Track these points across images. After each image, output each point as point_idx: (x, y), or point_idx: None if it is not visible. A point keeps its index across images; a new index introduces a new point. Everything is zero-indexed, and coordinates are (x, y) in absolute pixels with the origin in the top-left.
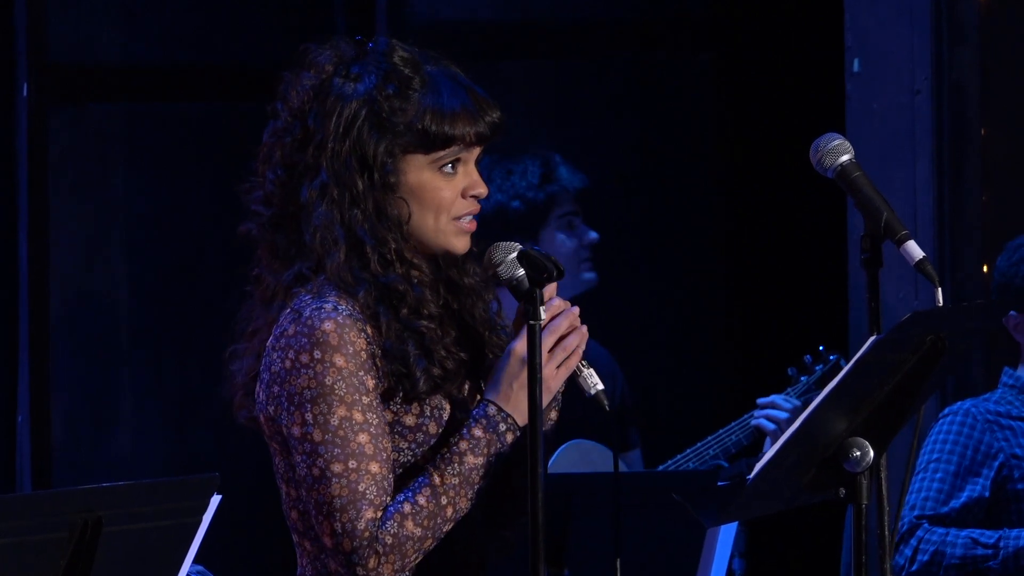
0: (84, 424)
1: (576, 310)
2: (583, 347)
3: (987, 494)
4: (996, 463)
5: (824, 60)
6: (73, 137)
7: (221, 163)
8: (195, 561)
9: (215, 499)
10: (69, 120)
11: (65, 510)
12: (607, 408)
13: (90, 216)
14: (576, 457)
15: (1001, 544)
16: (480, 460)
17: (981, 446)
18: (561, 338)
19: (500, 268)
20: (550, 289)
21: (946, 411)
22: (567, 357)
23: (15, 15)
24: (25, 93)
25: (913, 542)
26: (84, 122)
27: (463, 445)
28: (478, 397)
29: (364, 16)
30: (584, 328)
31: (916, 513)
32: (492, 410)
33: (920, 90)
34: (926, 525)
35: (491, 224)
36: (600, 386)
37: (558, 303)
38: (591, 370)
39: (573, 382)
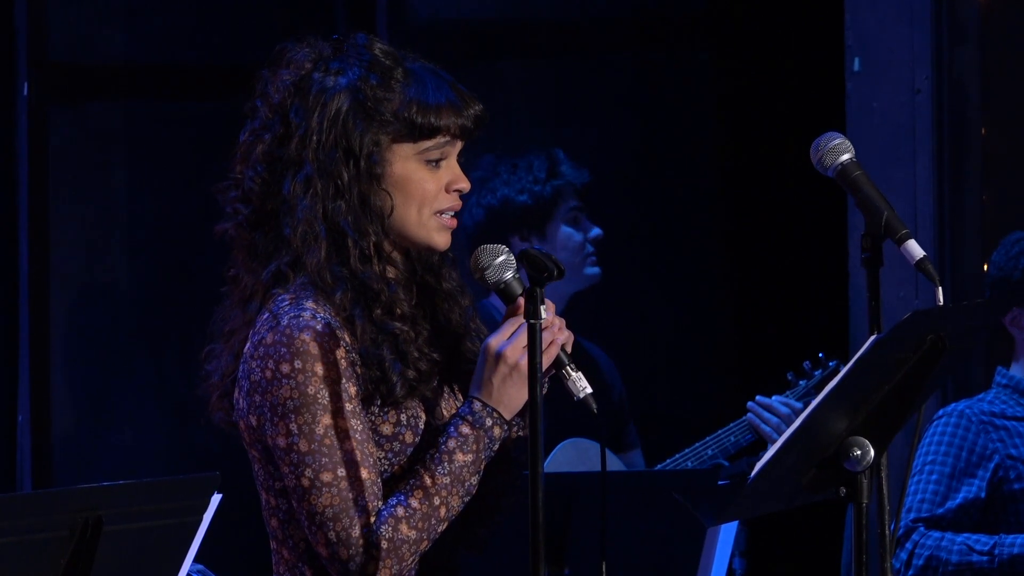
0: (84, 423)
1: (551, 305)
2: (562, 340)
3: (983, 495)
4: (991, 464)
5: (824, 60)
6: (73, 136)
7: (221, 162)
8: (195, 560)
9: (215, 498)
10: (69, 119)
11: (65, 509)
12: (595, 412)
13: (90, 216)
14: (573, 455)
15: (996, 551)
16: (469, 457)
17: (976, 447)
18: None
19: (488, 272)
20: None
21: (940, 413)
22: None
23: (15, 14)
24: (25, 92)
25: (909, 546)
26: (84, 121)
27: (451, 443)
28: (451, 401)
29: (364, 16)
30: (560, 320)
31: (912, 516)
32: (477, 406)
33: (920, 89)
34: (922, 529)
35: (498, 217)
36: (588, 390)
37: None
38: (579, 373)
39: (562, 385)
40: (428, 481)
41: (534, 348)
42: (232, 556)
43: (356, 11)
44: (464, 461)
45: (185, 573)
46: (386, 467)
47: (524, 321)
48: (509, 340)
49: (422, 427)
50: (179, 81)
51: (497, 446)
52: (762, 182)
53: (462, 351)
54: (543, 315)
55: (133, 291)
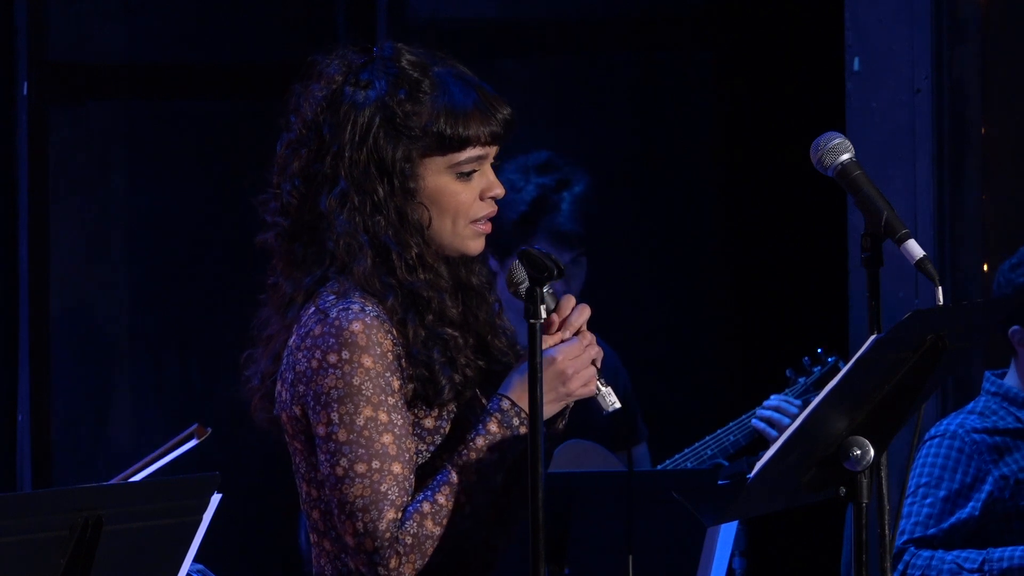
0: (84, 423)
1: (585, 313)
2: (592, 355)
3: (976, 514)
4: (986, 487)
5: (824, 59)
6: (73, 135)
7: (221, 161)
8: (195, 560)
9: (215, 498)
10: (69, 118)
11: (65, 509)
12: (621, 422)
13: (90, 215)
14: (572, 457)
15: (986, 568)
16: (496, 455)
17: (970, 470)
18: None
19: (522, 287)
20: (568, 301)
21: (932, 432)
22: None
23: (15, 13)
24: (25, 91)
25: (900, 567)
26: (84, 120)
27: (479, 441)
28: (484, 401)
29: (364, 15)
30: (591, 335)
31: (904, 538)
32: (506, 404)
33: (920, 89)
34: (912, 549)
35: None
36: (617, 405)
37: (571, 301)
38: (608, 388)
39: (590, 399)
40: (454, 478)
41: (534, 348)
42: (232, 556)
43: (356, 11)
44: (491, 459)
45: (185, 573)
46: (428, 459)
47: (560, 337)
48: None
49: (462, 423)
50: (179, 80)
51: (523, 446)
52: (762, 182)
53: (489, 349)
54: (543, 315)
55: (133, 290)
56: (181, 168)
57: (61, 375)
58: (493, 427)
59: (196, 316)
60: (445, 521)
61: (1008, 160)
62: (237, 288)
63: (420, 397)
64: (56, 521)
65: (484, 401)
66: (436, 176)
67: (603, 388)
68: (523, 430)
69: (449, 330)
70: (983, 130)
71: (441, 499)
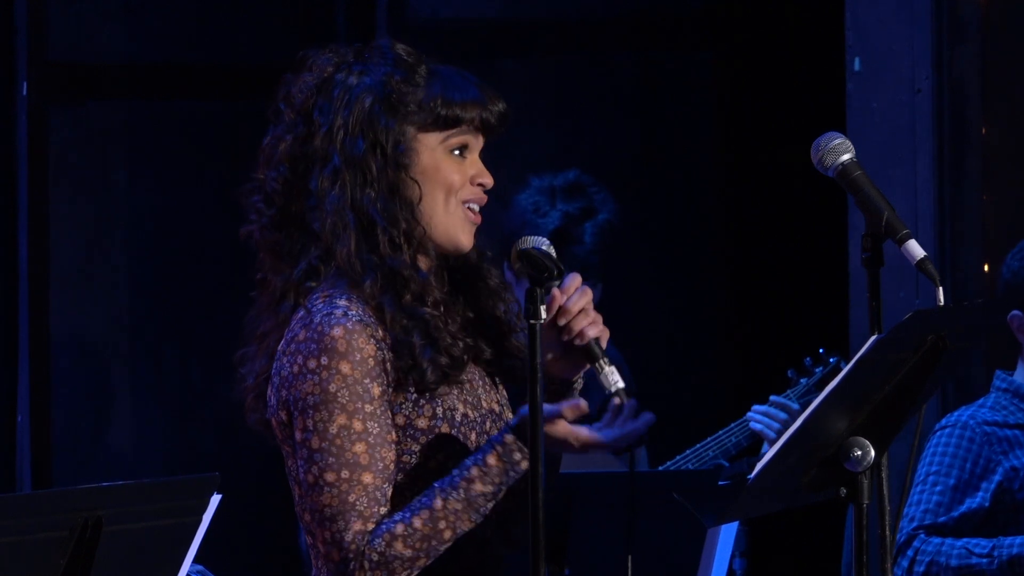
0: (84, 424)
1: (588, 292)
2: (597, 333)
3: (987, 504)
4: (996, 477)
5: (824, 59)
6: (73, 135)
7: (222, 162)
8: (195, 560)
9: (215, 498)
10: (69, 118)
11: (65, 509)
12: (623, 404)
13: (90, 215)
14: (575, 458)
15: (995, 553)
16: (489, 488)
17: (980, 459)
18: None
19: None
20: (574, 280)
21: (943, 423)
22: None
23: (15, 14)
24: (25, 91)
25: (910, 553)
26: (84, 120)
27: (473, 471)
28: (492, 394)
29: (364, 15)
30: (597, 315)
31: (914, 524)
32: (509, 439)
33: (921, 89)
34: (922, 536)
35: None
36: (620, 384)
37: (577, 281)
38: (612, 367)
39: (594, 380)
40: (439, 504)
41: (534, 348)
42: (232, 556)
43: (356, 10)
44: (482, 491)
45: (185, 573)
46: (420, 461)
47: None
48: (564, 404)
49: (459, 419)
50: (179, 80)
51: (517, 483)
52: (762, 182)
53: (507, 347)
54: (543, 315)
55: (133, 290)
56: (181, 168)
57: (61, 375)
58: (491, 460)
59: (196, 316)
60: (419, 544)
61: (1008, 160)
62: (237, 288)
63: (408, 387)
64: (56, 521)
65: (488, 383)
66: (430, 152)
67: (606, 367)
68: (524, 465)
69: (428, 310)
70: (983, 130)
71: (418, 523)
